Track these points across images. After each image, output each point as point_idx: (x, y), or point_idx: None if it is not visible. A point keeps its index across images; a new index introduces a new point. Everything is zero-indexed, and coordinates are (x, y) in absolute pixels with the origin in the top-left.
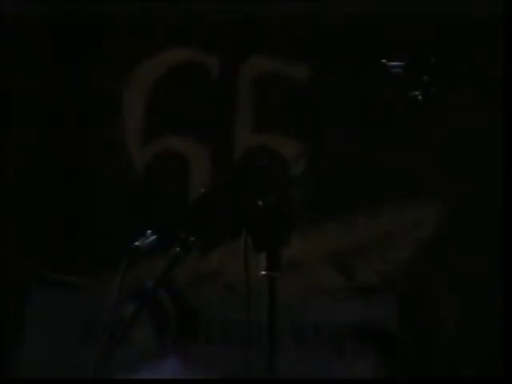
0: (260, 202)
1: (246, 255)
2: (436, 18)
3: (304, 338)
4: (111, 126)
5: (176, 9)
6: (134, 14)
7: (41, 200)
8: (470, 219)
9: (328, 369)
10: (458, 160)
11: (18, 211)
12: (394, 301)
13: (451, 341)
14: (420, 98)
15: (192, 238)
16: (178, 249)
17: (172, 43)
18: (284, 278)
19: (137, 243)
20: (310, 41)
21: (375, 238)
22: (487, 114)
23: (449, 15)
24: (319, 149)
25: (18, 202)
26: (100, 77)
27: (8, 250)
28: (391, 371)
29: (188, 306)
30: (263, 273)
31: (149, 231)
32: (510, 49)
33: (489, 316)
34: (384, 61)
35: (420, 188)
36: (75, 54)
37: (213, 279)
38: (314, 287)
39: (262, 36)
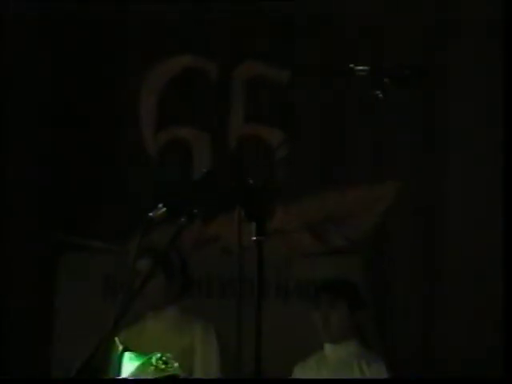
0: (251, 181)
1: (239, 224)
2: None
3: (286, 291)
4: (131, 118)
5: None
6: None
7: (69, 176)
8: (419, 195)
9: (306, 318)
10: (410, 147)
11: (48, 186)
12: (359, 261)
13: (405, 292)
14: (380, 96)
15: (195, 210)
16: (183, 219)
17: (178, 51)
18: (269, 242)
19: (151, 214)
20: (288, 45)
21: (344, 210)
22: (436, 110)
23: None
24: (297, 137)
25: (47, 176)
26: (125, 78)
27: (40, 220)
28: (358, 319)
29: (190, 265)
30: (253, 238)
31: (160, 204)
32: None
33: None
34: (351, 65)
35: (380, 169)
36: (102, 56)
37: (212, 243)
38: (294, 250)
39: (250, 44)
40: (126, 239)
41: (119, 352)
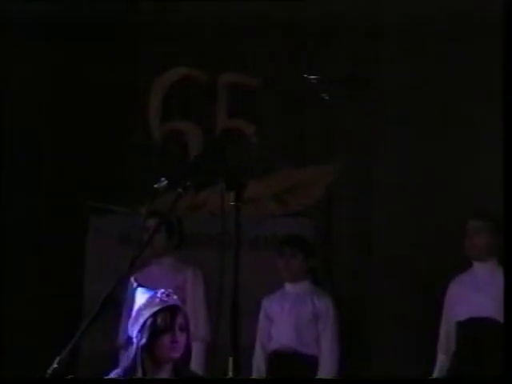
0: (231, 161)
1: (222, 193)
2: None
3: (257, 244)
4: (142, 112)
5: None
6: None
7: (96, 157)
8: (356, 172)
9: (272, 265)
10: (350, 135)
11: (80, 164)
12: (311, 221)
13: (346, 243)
14: (326, 97)
15: (189, 183)
16: (180, 189)
17: (177, 64)
18: (245, 207)
19: (156, 185)
20: (260, 56)
21: (300, 183)
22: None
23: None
24: (266, 128)
25: (81, 156)
26: (138, 79)
27: (74, 189)
28: (311, 265)
29: (185, 224)
30: (232, 203)
31: (163, 178)
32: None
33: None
34: (305, 75)
35: (327, 152)
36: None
37: (201, 208)
38: (263, 213)
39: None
40: (138, 205)
41: (133, 288)
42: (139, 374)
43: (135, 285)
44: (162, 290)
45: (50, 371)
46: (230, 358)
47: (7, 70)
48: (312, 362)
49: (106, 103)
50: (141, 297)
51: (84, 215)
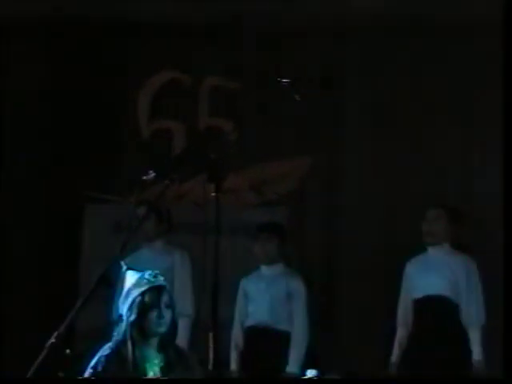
0: (212, 156)
1: (204, 184)
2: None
3: (236, 230)
4: (132, 111)
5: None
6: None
7: (90, 151)
8: (325, 166)
9: (250, 249)
10: (320, 132)
11: (72, 156)
12: (285, 209)
13: (316, 227)
14: (298, 98)
15: (174, 175)
16: (166, 181)
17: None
18: (224, 197)
19: (145, 177)
20: (237, 63)
21: (274, 175)
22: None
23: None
24: (243, 126)
25: (77, 150)
26: (129, 81)
27: (71, 180)
28: (284, 249)
29: (172, 211)
30: (213, 194)
31: (151, 171)
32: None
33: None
34: (278, 78)
35: (299, 148)
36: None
37: (186, 197)
38: (241, 202)
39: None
40: (129, 194)
41: (123, 270)
42: (129, 346)
43: (125, 267)
44: (149, 272)
45: (48, 345)
46: (210, 334)
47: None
48: (285, 337)
49: (101, 103)
50: (130, 278)
51: (80, 204)
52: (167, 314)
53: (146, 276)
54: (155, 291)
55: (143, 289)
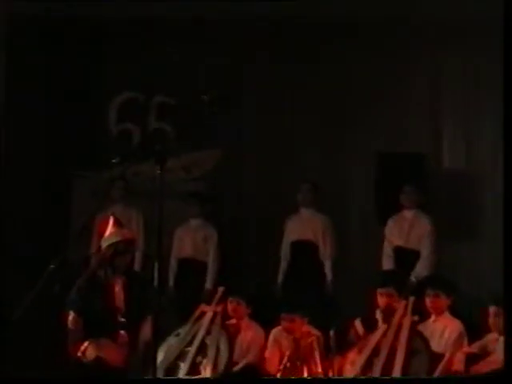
0: (157, 147)
1: (154, 165)
2: None
3: (174, 197)
4: (105, 117)
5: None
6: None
7: (74, 140)
8: (234, 157)
9: (181, 210)
10: (224, 134)
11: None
12: (206, 183)
13: (234, 203)
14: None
15: (133, 159)
16: (127, 163)
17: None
18: (165, 174)
19: (114, 160)
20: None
21: (199, 159)
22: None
23: None
24: (178, 128)
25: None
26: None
27: (56, 159)
28: (205, 210)
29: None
30: (158, 172)
31: (117, 157)
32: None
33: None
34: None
35: (215, 141)
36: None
37: (142, 174)
38: (176, 177)
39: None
40: (104, 172)
41: (107, 216)
42: (101, 274)
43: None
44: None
45: (46, 274)
46: (156, 263)
47: None
48: (204, 267)
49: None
50: (110, 227)
51: (66, 179)
52: (129, 255)
53: (122, 229)
54: (125, 242)
55: (118, 238)
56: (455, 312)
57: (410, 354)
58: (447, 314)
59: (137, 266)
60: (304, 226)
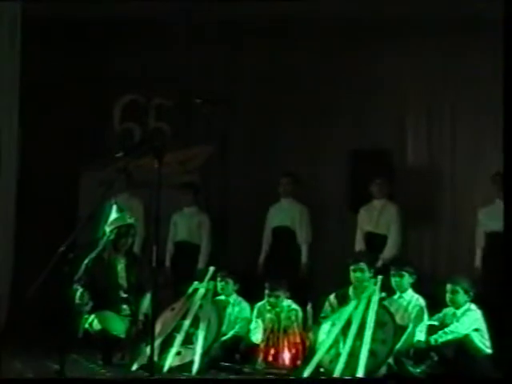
0: (156, 143)
1: (153, 160)
2: None
3: (170, 187)
4: (111, 117)
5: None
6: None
7: (82, 132)
8: (224, 154)
9: (178, 199)
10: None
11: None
12: (199, 175)
13: (218, 189)
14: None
15: (135, 154)
16: (129, 158)
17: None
18: (163, 167)
19: (117, 155)
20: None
21: (193, 155)
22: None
23: None
24: (174, 128)
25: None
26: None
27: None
28: (199, 198)
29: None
30: (156, 166)
31: (121, 152)
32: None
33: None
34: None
35: (208, 139)
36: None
37: (143, 167)
38: (174, 171)
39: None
40: (109, 165)
41: (112, 203)
42: (106, 255)
43: (114, 201)
44: (126, 212)
45: (57, 255)
46: (154, 247)
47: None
48: (197, 249)
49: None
50: (114, 212)
51: (78, 170)
52: (130, 238)
53: (125, 214)
54: (127, 226)
55: (121, 223)
56: (417, 289)
57: (378, 325)
58: (410, 291)
59: (137, 248)
60: (283, 213)
